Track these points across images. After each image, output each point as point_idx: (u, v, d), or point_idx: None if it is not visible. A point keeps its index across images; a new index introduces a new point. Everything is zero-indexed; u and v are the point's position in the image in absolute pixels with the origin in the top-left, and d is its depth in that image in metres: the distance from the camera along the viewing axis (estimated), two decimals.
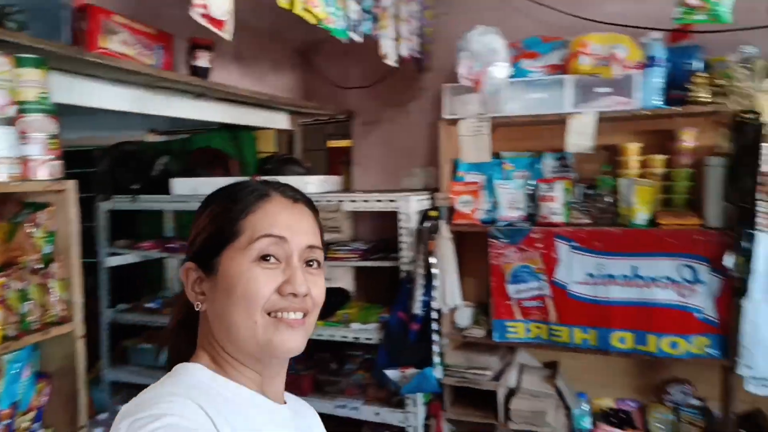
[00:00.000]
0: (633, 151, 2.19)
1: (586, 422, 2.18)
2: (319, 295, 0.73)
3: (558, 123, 2.15)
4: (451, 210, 2.34)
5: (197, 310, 0.72)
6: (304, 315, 0.71)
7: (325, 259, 0.76)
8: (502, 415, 2.18)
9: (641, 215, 2.07)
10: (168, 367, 0.73)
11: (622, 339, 2.09)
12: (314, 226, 0.75)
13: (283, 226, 0.70)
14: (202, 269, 0.71)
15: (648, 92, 2.04)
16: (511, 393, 2.23)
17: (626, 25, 2.16)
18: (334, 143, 3.01)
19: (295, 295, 0.69)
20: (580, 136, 2.11)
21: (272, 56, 2.71)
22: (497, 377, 2.26)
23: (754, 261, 1.85)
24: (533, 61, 2.23)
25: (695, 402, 2.19)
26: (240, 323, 0.67)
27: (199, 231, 0.73)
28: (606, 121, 2.09)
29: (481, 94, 2.14)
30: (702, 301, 1.99)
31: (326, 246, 0.79)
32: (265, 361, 0.71)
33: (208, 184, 2.34)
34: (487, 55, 2.06)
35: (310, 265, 0.73)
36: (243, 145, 3.04)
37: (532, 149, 2.42)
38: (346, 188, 2.81)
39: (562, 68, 2.19)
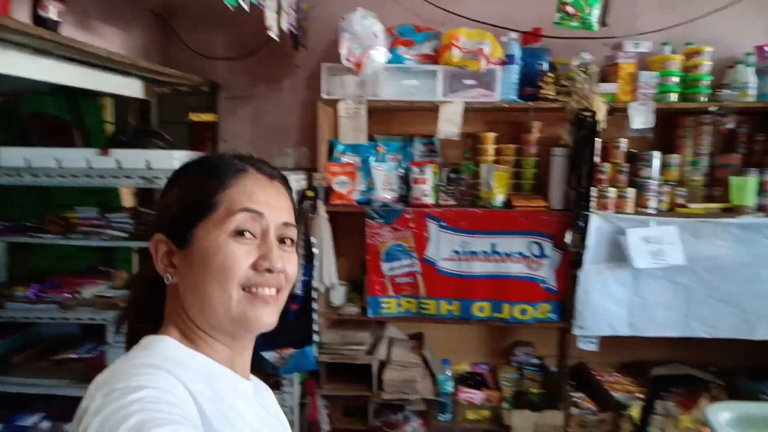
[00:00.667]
0: (490, 139, 2.41)
1: (449, 386, 2.39)
2: (292, 272, 0.73)
3: (429, 110, 2.29)
4: (328, 190, 2.35)
5: (167, 282, 0.70)
6: (278, 291, 0.71)
7: None
8: (376, 386, 2.28)
9: (499, 198, 2.31)
10: (128, 343, 0.71)
11: (481, 308, 2.33)
12: (289, 203, 0.75)
13: (261, 202, 0.69)
14: (174, 242, 0.69)
15: (506, 87, 2.27)
16: (383, 365, 2.35)
17: (489, 24, 2.36)
18: (196, 117, 2.80)
19: (270, 270, 0.68)
20: (449, 124, 2.26)
21: (125, 16, 2.41)
22: (370, 351, 2.35)
23: (588, 237, 2.19)
24: (408, 49, 2.32)
25: (535, 361, 2.53)
26: (215, 297, 0.67)
27: (170, 203, 0.71)
28: (470, 111, 2.28)
29: (361, 76, 2.17)
30: (546, 273, 2.30)
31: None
32: (237, 335, 0.71)
33: (46, 156, 2.03)
34: (368, 39, 2.09)
35: (284, 243, 0.73)
36: (86, 112, 2.67)
37: (403, 133, 2.53)
38: None
39: (433, 58, 2.32)
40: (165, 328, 0.70)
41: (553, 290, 2.31)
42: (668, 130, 2.36)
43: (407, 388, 2.28)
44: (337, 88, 2.30)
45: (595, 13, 1.94)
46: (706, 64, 2.21)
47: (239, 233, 0.68)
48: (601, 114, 2.15)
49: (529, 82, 2.30)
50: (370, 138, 2.45)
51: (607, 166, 2.25)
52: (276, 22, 1.93)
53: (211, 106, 2.75)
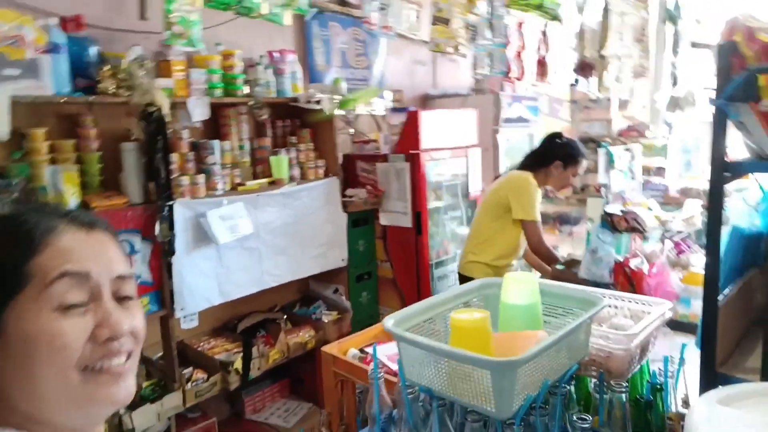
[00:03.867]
0: (41, 136, 2.13)
1: None
2: (141, 328, 0.65)
3: None
4: None
5: None
6: (128, 357, 0.61)
7: None
8: None
9: (73, 200, 2.10)
10: None
11: None
12: (119, 252, 0.66)
13: (84, 260, 0.59)
14: None
15: (58, 78, 2.05)
16: None
17: (24, 5, 2.02)
18: None
19: (113, 338, 0.59)
20: None
21: None
22: None
23: (174, 225, 2.32)
24: None
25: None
26: (50, 389, 0.56)
27: None
28: (15, 105, 1.94)
29: None
30: (140, 268, 2.30)
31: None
32: (88, 424, 0.59)
33: None
34: None
35: (124, 301, 0.63)
36: None
37: None
38: None
39: None
40: None
41: (149, 282, 2.34)
42: (217, 120, 2.71)
43: None
44: None
45: (197, 34, 2.06)
46: (239, 65, 2.65)
47: (65, 306, 0.56)
48: (166, 108, 2.27)
49: (81, 74, 2.14)
50: None
51: (176, 156, 2.41)
52: None
53: None
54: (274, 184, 2.77)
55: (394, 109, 3.77)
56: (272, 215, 2.73)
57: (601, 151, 3.53)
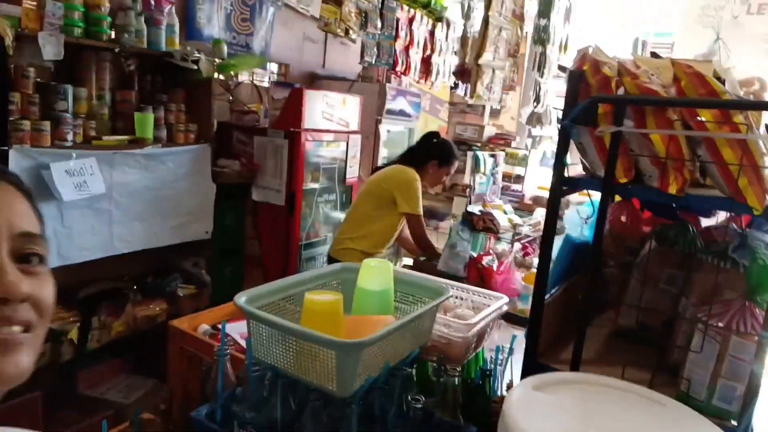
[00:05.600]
0: None
1: None
2: (47, 299, 0.54)
3: None
4: None
5: None
6: (26, 329, 0.51)
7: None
8: None
9: None
10: None
11: None
12: (28, 209, 0.55)
13: None
14: None
15: None
16: None
17: None
18: None
19: (5, 300, 0.49)
20: None
21: None
22: None
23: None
24: None
25: None
26: None
27: None
28: None
29: None
30: None
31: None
32: None
33: None
34: None
35: (29, 261, 0.52)
36: None
37: None
38: None
39: None
40: None
41: None
42: (73, 63, 2.41)
43: None
44: None
45: None
46: (106, 5, 2.37)
47: None
48: (9, 39, 1.97)
49: None
50: None
51: (17, 96, 2.11)
52: None
53: None
54: (136, 143, 2.54)
55: (279, 83, 3.67)
56: (130, 177, 2.51)
57: (470, 154, 3.76)
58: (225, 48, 2.96)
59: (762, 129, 1.26)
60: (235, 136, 3.27)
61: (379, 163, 3.86)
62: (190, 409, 1.14)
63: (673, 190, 1.10)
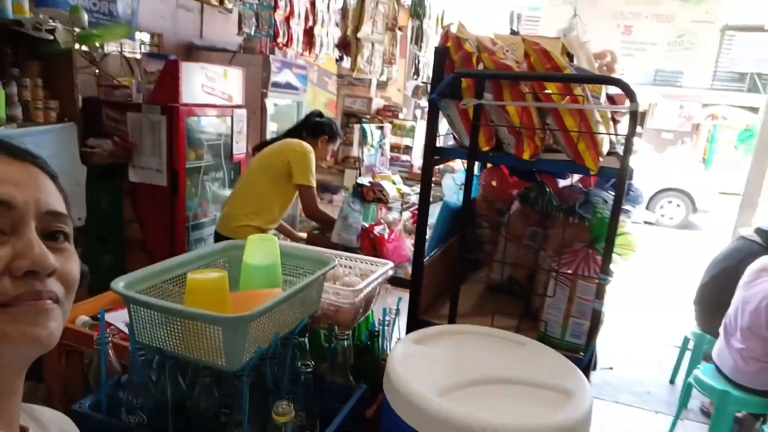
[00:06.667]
0: None
1: None
2: (73, 272, 0.55)
3: None
4: None
5: None
6: (56, 301, 0.52)
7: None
8: None
9: None
10: None
11: None
12: (54, 189, 0.57)
13: (6, 185, 0.50)
14: None
15: None
16: None
17: None
18: None
19: (35, 273, 0.49)
20: None
21: None
22: None
23: None
24: None
25: None
26: None
27: None
28: None
29: None
30: None
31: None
32: (5, 363, 0.50)
33: None
34: None
35: (55, 239, 0.54)
36: None
37: None
38: None
39: None
40: None
41: None
42: None
43: None
44: None
45: None
46: None
47: None
48: None
49: None
50: None
51: None
52: None
53: None
54: None
55: (152, 55, 3.42)
56: None
57: (357, 127, 3.83)
58: (85, 16, 2.70)
59: (603, 98, 1.44)
60: (105, 113, 3.03)
61: (268, 137, 3.79)
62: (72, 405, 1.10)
63: (527, 155, 1.23)
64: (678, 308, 4.27)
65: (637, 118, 1.12)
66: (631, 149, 1.12)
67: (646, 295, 5.68)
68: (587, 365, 1.26)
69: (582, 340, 1.30)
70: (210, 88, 3.22)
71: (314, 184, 2.87)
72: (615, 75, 2.07)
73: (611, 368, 3.84)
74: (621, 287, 5.74)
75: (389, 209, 3.61)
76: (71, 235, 0.57)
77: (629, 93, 1.12)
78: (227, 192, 3.51)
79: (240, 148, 3.60)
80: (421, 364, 1.03)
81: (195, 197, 3.31)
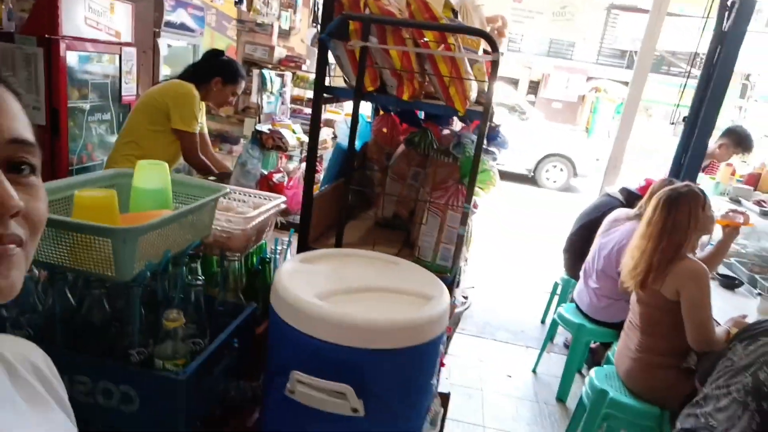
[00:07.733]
0: None
1: None
2: (40, 212, 0.48)
3: None
4: None
5: None
6: (19, 245, 0.45)
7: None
8: None
9: None
10: None
11: None
12: (20, 112, 0.48)
13: None
14: None
15: None
16: None
17: None
18: None
19: None
20: None
21: None
22: None
23: None
24: None
25: None
26: None
27: None
28: None
29: None
30: None
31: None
32: None
33: None
34: None
35: (20, 171, 0.47)
36: None
37: None
38: None
39: None
40: None
41: None
42: None
43: None
44: None
45: None
46: None
47: None
48: None
49: None
50: None
51: None
52: None
53: None
54: None
55: None
56: None
57: (256, 72, 3.78)
58: None
59: (480, 51, 1.60)
60: None
61: (160, 80, 3.62)
62: None
63: (406, 96, 1.37)
64: (552, 259, 4.79)
65: (497, 67, 1.29)
66: (492, 94, 1.29)
67: (527, 248, 6.28)
68: (451, 283, 1.46)
69: (449, 262, 1.49)
70: (94, 22, 3.01)
71: (195, 129, 2.66)
72: (505, 39, 2.27)
73: (473, 287, 4.27)
74: (504, 242, 6.25)
75: (289, 158, 3.65)
76: (39, 167, 0.50)
77: (492, 44, 1.29)
78: (115, 136, 3.35)
79: (129, 89, 3.43)
80: (305, 277, 1.16)
81: (79, 139, 3.13)
